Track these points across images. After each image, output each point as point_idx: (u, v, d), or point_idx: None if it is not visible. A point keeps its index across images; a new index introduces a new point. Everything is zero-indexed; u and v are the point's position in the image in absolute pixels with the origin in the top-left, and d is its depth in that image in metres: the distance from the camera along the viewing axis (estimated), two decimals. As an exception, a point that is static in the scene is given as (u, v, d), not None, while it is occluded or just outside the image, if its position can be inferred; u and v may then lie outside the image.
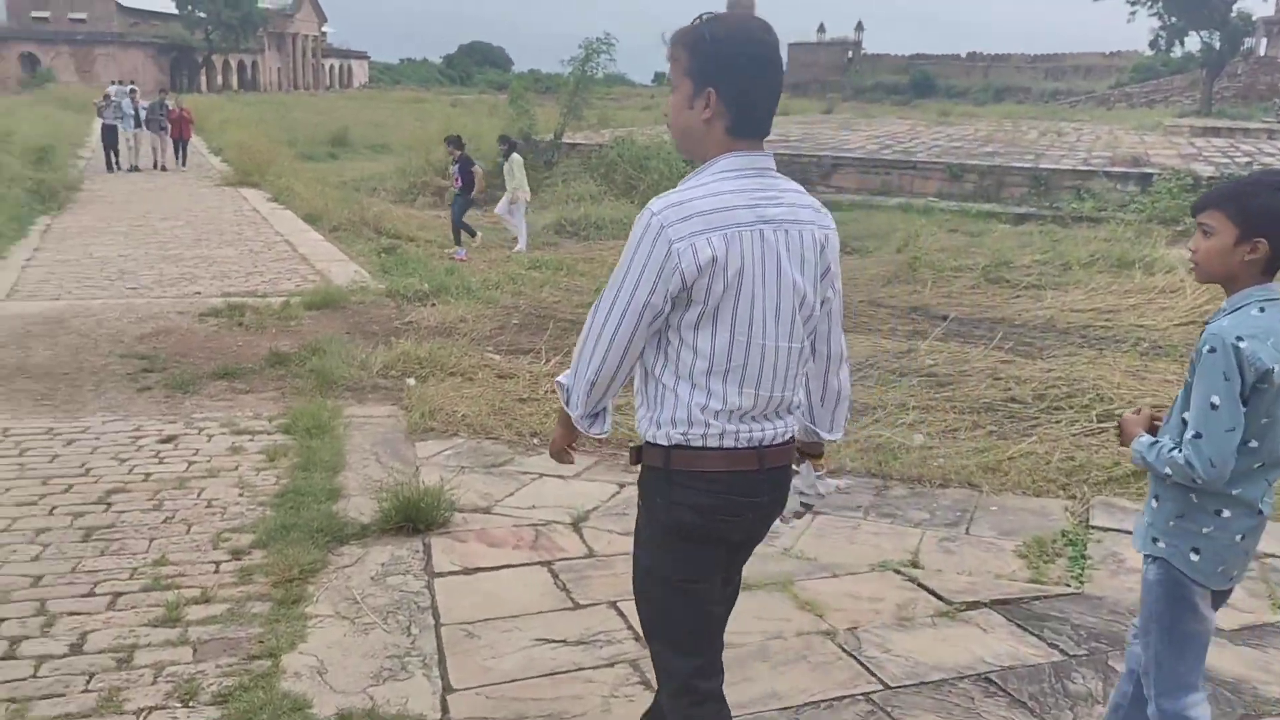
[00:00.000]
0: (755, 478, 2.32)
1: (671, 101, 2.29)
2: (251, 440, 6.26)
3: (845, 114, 52.59)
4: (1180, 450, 2.38)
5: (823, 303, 2.40)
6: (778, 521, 2.51)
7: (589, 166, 20.92)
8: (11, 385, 7.35)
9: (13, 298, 10.16)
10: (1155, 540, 2.56)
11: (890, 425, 6.89)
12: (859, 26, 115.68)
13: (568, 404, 2.42)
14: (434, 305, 10.24)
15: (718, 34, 2.19)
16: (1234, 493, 2.42)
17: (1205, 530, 2.46)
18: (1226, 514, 2.45)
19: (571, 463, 2.70)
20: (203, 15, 76.49)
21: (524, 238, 14.86)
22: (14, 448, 6.05)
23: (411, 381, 7.55)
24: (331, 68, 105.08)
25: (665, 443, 2.31)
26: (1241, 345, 2.30)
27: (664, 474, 2.32)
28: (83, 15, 77.13)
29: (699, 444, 2.27)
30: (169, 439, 6.21)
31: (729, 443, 2.27)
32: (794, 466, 2.55)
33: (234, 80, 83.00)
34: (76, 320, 9.25)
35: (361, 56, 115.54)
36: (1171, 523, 2.51)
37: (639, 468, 2.43)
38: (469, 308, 10.10)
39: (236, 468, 5.76)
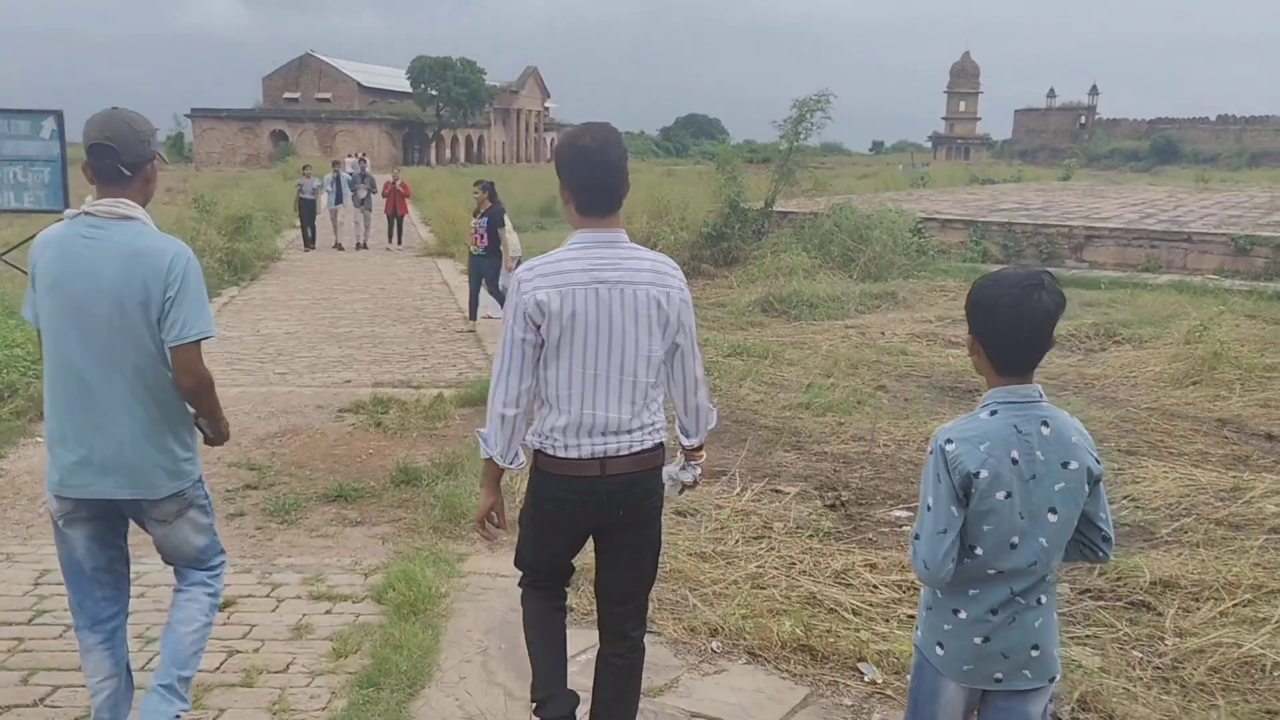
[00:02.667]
0: (596, 481, 2.93)
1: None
2: (329, 613, 4.58)
3: (1086, 180, 48.32)
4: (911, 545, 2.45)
5: (674, 346, 3.02)
6: (668, 488, 3.22)
7: (801, 237, 18.94)
8: (89, 502, 6.04)
9: (151, 382, 9.15)
10: (917, 628, 2.59)
11: (1238, 624, 4.53)
12: (1093, 90, 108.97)
13: (487, 444, 2.98)
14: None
15: (561, 144, 2.96)
16: (970, 592, 2.42)
17: (946, 627, 2.48)
18: (963, 615, 2.45)
19: (495, 539, 3.29)
20: (434, 93, 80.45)
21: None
22: (38, 599, 4.62)
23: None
24: (552, 140, 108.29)
25: (535, 448, 2.97)
26: (949, 449, 2.33)
27: (535, 471, 3.02)
28: (328, 95, 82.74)
29: (550, 452, 2.94)
30: (226, 605, 4.60)
31: (573, 454, 2.91)
32: (667, 465, 3.19)
33: (461, 153, 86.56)
34: (203, 413, 8.05)
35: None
36: (924, 613, 2.56)
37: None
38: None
39: (287, 666, 4.06)
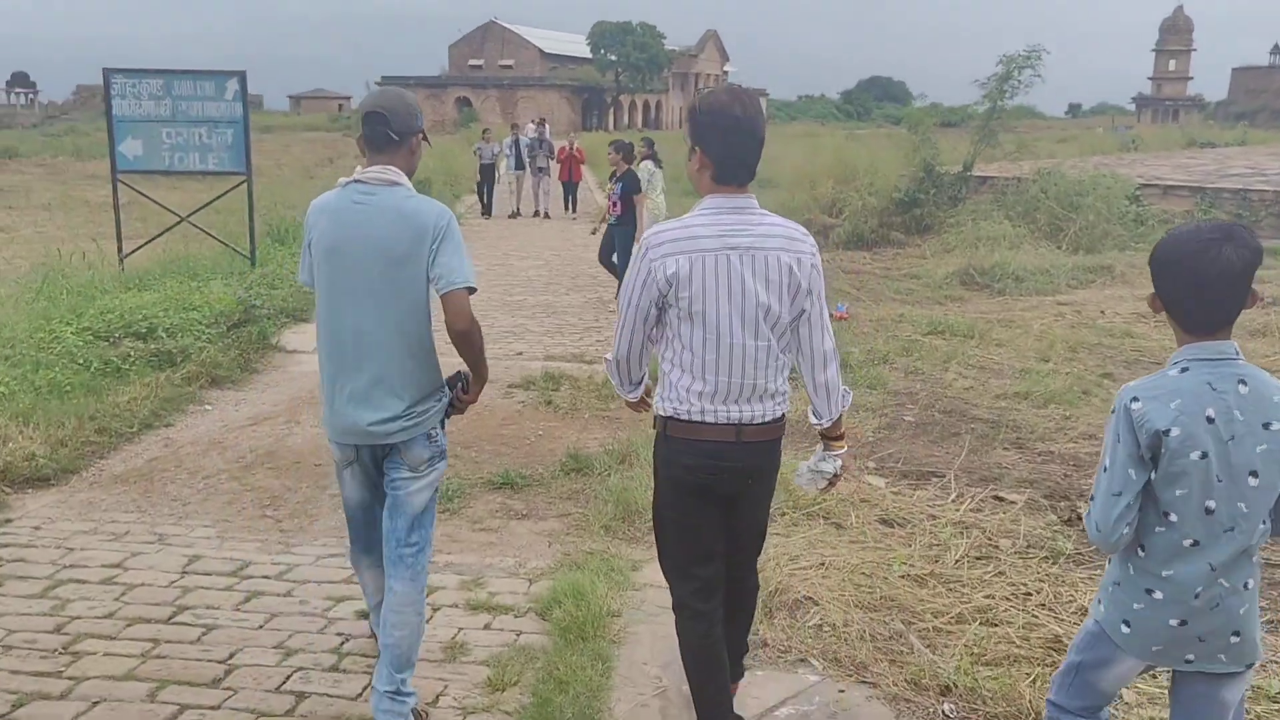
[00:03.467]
0: (732, 447, 2.90)
1: (690, 163, 2.89)
2: (487, 628, 4.02)
3: (1321, 143, 43.58)
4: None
5: (802, 313, 2.92)
6: (807, 482, 3.20)
7: (1004, 204, 17.43)
8: (250, 479, 5.73)
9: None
10: (1099, 601, 2.45)
11: None
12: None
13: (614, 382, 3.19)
14: (798, 387, 7.69)
15: (704, 108, 2.82)
16: (1164, 573, 2.27)
17: (1136, 606, 2.33)
18: (1158, 595, 2.30)
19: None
20: (613, 58, 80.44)
21: None
22: (182, 592, 4.25)
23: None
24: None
25: (663, 414, 2.96)
26: (1134, 406, 2.21)
27: (663, 438, 2.99)
28: (510, 62, 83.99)
29: (685, 418, 2.90)
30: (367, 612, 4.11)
31: (709, 419, 2.88)
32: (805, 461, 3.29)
33: (639, 119, 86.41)
34: (371, 384, 7.72)
35: (760, 94, 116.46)
36: (1111, 588, 2.41)
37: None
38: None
39: (436, 698, 3.50)
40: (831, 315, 10.36)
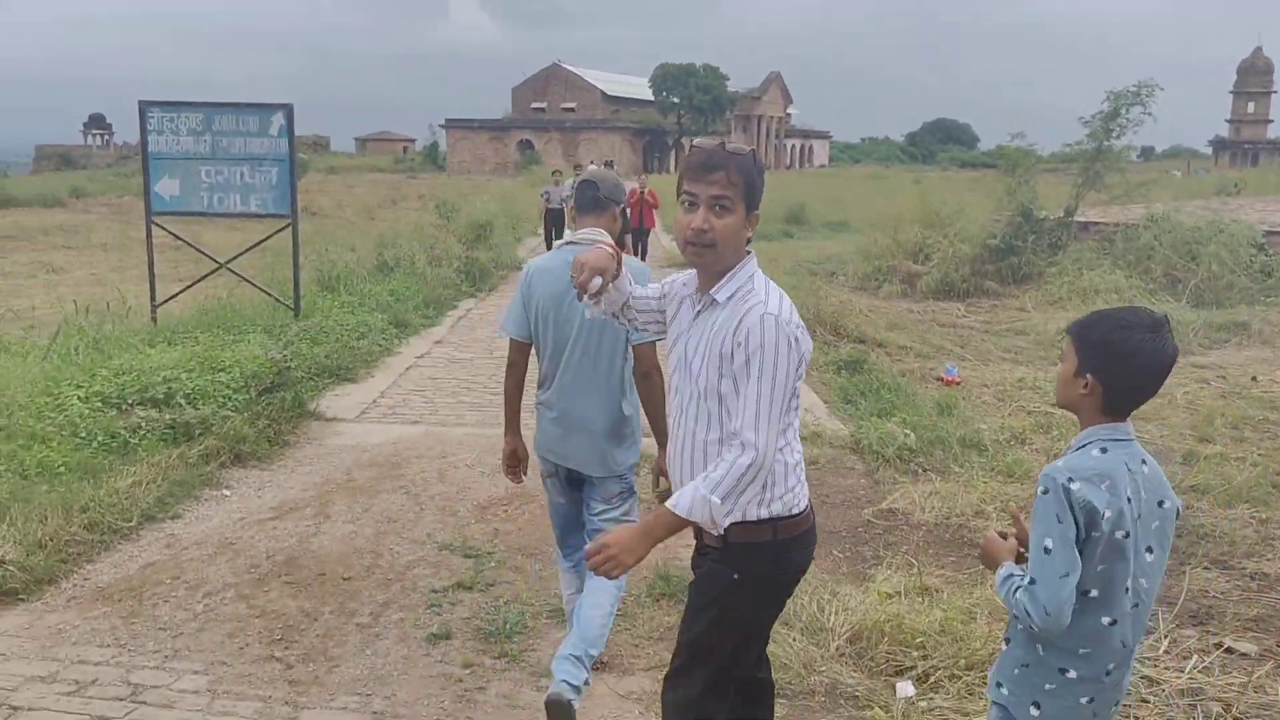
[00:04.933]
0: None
1: (724, 222, 2.49)
2: None
3: None
4: (1019, 593, 2.26)
5: None
6: None
7: (1111, 252, 15.97)
8: (260, 599, 4.59)
9: (366, 416, 7.81)
10: (999, 685, 2.42)
11: None
12: None
13: (728, 504, 2.41)
14: (930, 476, 6.40)
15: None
16: (1081, 651, 2.29)
17: (1048, 687, 2.33)
18: (1072, 674, 2.31)
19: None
20: (676, 100, 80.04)
21: None
22: (137, 800, 3.09)
23: (907, 690, 3.76)
24: (793, 147, 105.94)
25: (769, 516, 2.52)
26: (1073, 487, 2.22)
27: (770, 547, 2.53)
28: (573, 104, 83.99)
29: (794, 511, 2.55)
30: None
31: (805, 501, 2.60)
32: None
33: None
34: (418, 463, 6.58)
35: (823, 136, 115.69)
36: (1017, 670, 2.39)
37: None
38: (987, 485, 6.12)
39: None
40: (940, 378, 8.99)
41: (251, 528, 5.43)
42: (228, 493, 6.01)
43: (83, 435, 6.21)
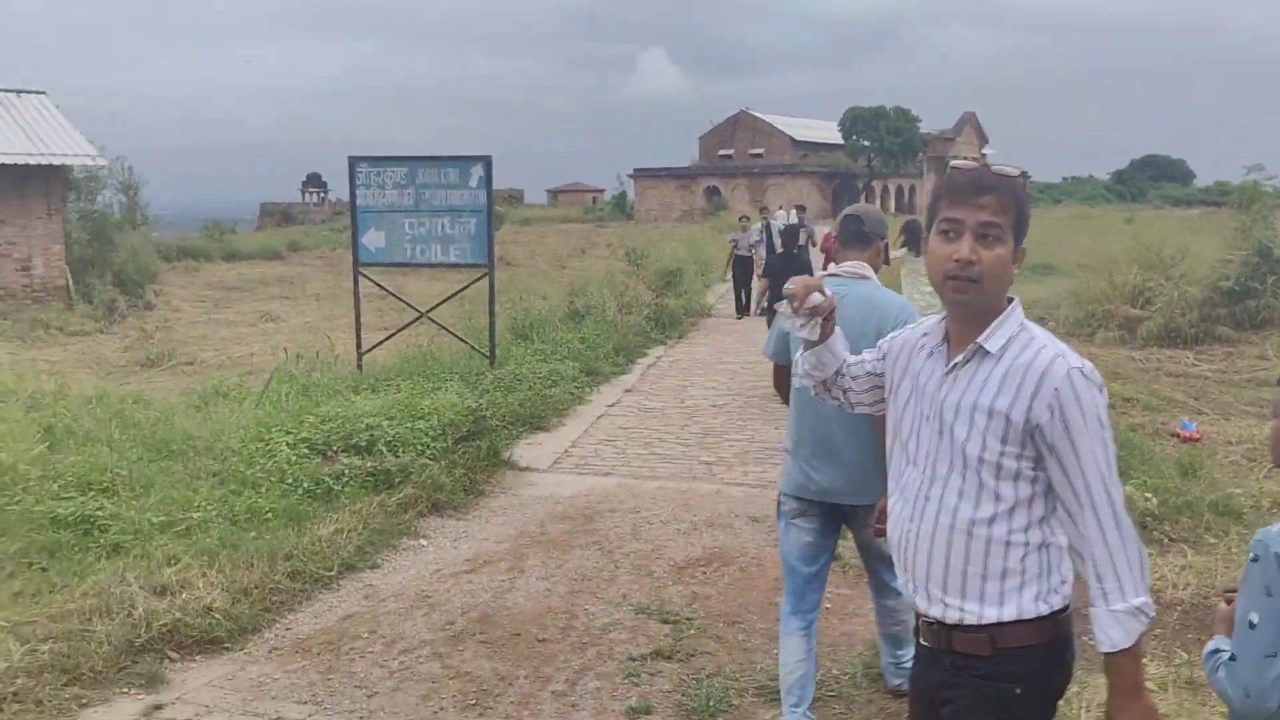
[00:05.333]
0: None
1: (994, 253, 2.11)
2: None
3: None
4: (1220, 670, 1.98)
5: None
6: None
7: (1368, 294, 14.33)
8: (455, 659, 4.44)
9: (559, 466, 7.71)
10: None
11: None
12: None
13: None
14: (1180, 547, 5.68)
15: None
16: None
17: None
18: None
19: None
20: (866, 143, 78.83)
21: None
22: None
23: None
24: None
25: (1054, 608, 2.10)
26: None
27: (1058, 645, 2.12)
28: (760, 150, 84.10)
29: (1068, 600, 2.14)
30: None
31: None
32: None
33: (891, 204, 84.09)
34: (611, 517, 6.37)
35: (1021, 175, 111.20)
36: None
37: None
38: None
39: None
40: (1176, 434, 8.12)
41: (447, 580, 5.34)
42: (424, 542, 5.97)
43: (289, 481, 6.33)
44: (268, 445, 6.86)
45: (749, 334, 15.43)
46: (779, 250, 17.01)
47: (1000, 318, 2.11)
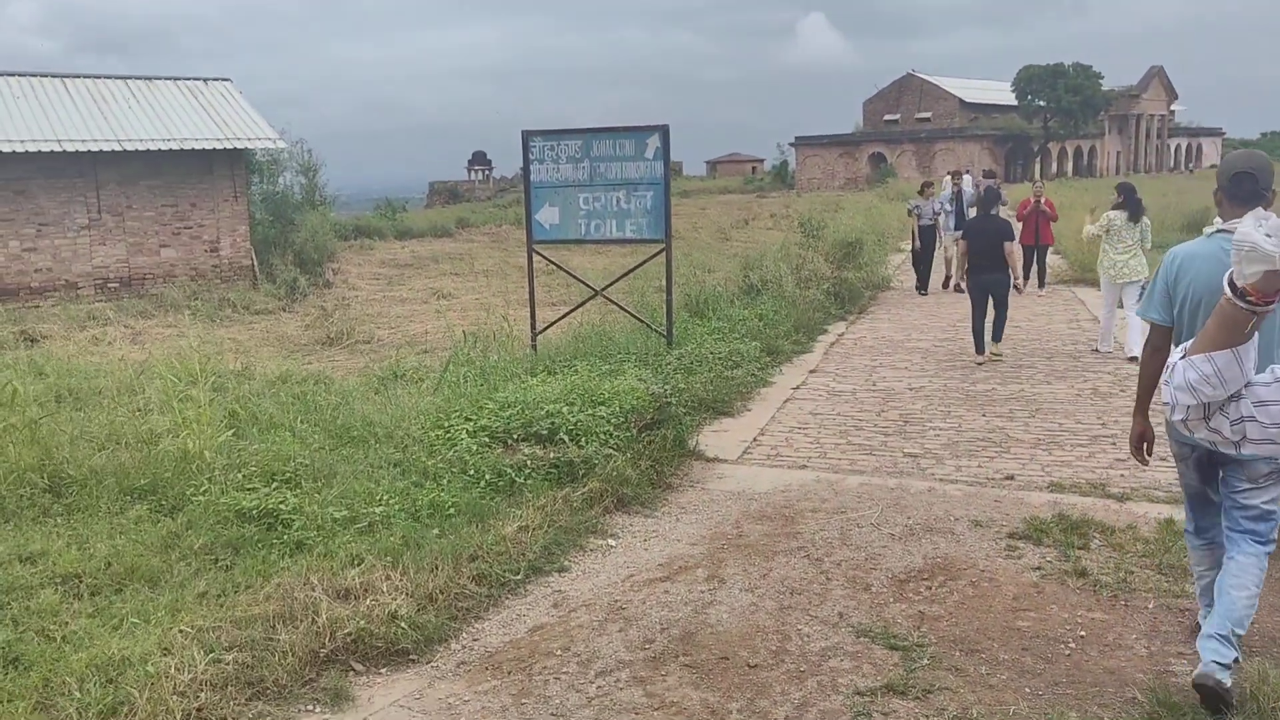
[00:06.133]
0: None
1: None
2: None
3: None
4: None
5: None
6: None
7: None
8: (658, 685, 3.97)
9: (749, 457, 7.17)
10: None
11: None
12: None
13: None
14: None
15: None
16: None
17: None
18: None
19: None
20: (1042, 103, 74.66)
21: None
22: None
23: None
24: (1178, 148, 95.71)
25: None
26: None
27: None
28: (928, 114, 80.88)
29: None
30: None
31: None
32: None
33: (1069, 167, 79.50)
34: (813, 519, 5.79)
35: (1214, 133, 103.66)
36: None
37: None
38: None
39: None
40: None
41: (641, 589, 4.89)
42: (613, 543, 5.54)
43: (471, 473, 6.02)
44: (448, 433, 6.59)
45: (935, 308, 14.48)
46: (971, 217, 15.71)
47: None
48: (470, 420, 6.78)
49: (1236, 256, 3.09)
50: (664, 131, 9.34)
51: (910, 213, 16.33)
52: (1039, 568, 4.94)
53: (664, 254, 9.64)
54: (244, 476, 5.80)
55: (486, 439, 6.49)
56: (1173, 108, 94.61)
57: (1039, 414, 8.10)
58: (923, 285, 16.10)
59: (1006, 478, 6.46)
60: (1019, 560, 5.05)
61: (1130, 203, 10.40)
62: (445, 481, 5.88)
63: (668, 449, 6.77)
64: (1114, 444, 7.16)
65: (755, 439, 7.58)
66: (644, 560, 5.28)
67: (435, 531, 5.24)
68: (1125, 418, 7.89)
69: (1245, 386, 3.31)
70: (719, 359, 9.45)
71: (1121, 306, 10.58)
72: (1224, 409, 3.37)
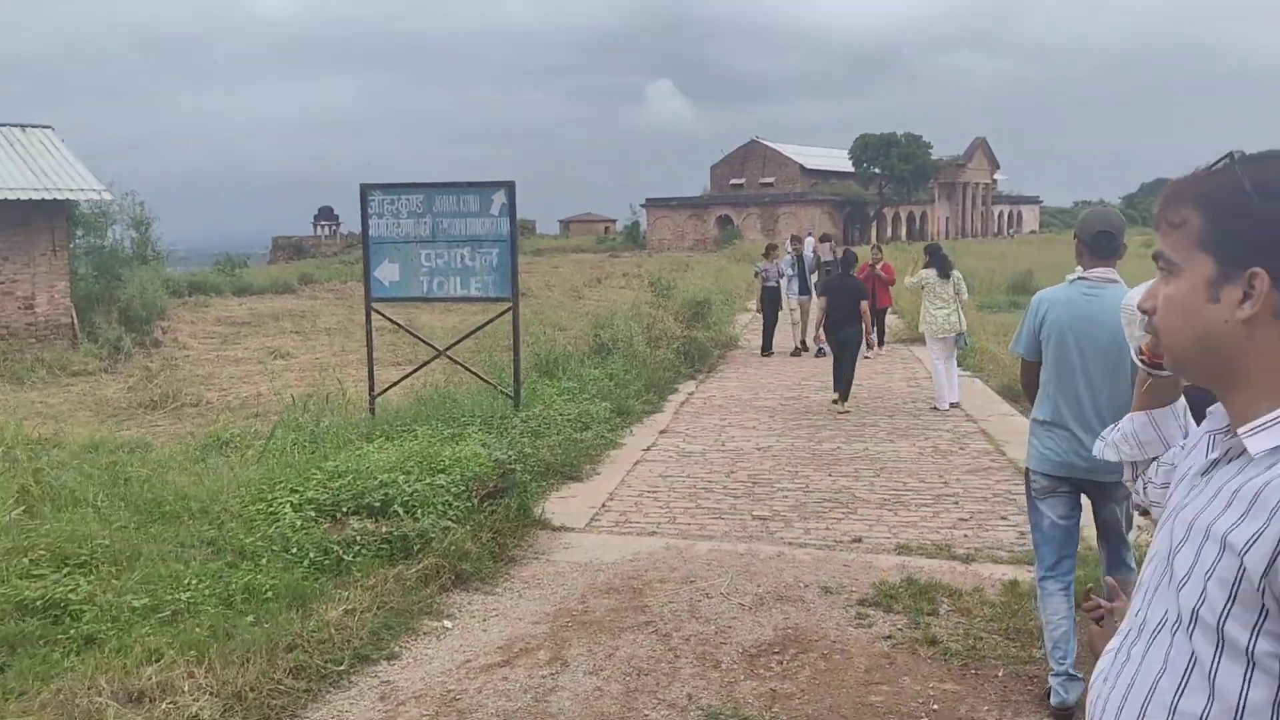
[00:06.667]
0: None
1: (1165, 295, 1.30)
2: None
3: None
4: None
5: None
6: None
7: None
8: (491, 783, 3.62)
9: (597, 524, 6.91)
10: None
11: None
12: None
13: None
14: None
15: (1267, 181, 1.22)
16: None
17: None
18: None
19: None
20: (877, 170, 78.33)
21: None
22: None
23: None
24: (1001, 214, 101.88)
25: None
26: None
27: None
28: (771, 179, 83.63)
29: None
30: None
31: None
32: None
33: (903, 231, 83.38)
34: (662, 589, 5.56)
35: (1032, 201, 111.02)
36: None
37: None
38: None
39: None
40: None
41: (478, 676, 4.53)
42: (449, 624, 5.16)
43: (293, 552, 5.53)
44: (270, 507, 6.07)
45: (780, 367, 14.63)
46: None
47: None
48: (296, 492, 6.28)
49: (1125, 321, 3.11)
50: (509, 188, 9.12)
51: (756, 275, 16.55)
52: (890, 636, 4.83)
53: (511, 313, 9.36)
54: (30, 562, 5.16)
55: (313, 512, 6.01)
56: (995, 176, 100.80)
57: (884, 473, 8.14)
58: (767, 346, 16.15)
59: (854, 540, 6.39)
60: (870, 629, 4.93)
61: (936, 260, 11.25)
62: (264, 561, 5.39)
63: (511, 518, 6.44)
64: (956, 503, 7.22)
65: (604, 504, 7.33)
66: (482, 643, 4.92)
67: (249, 619, 4.75)
68: (966, 475, 8.02)
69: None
70: (568, 421, 9.19)
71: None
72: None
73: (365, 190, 9.21)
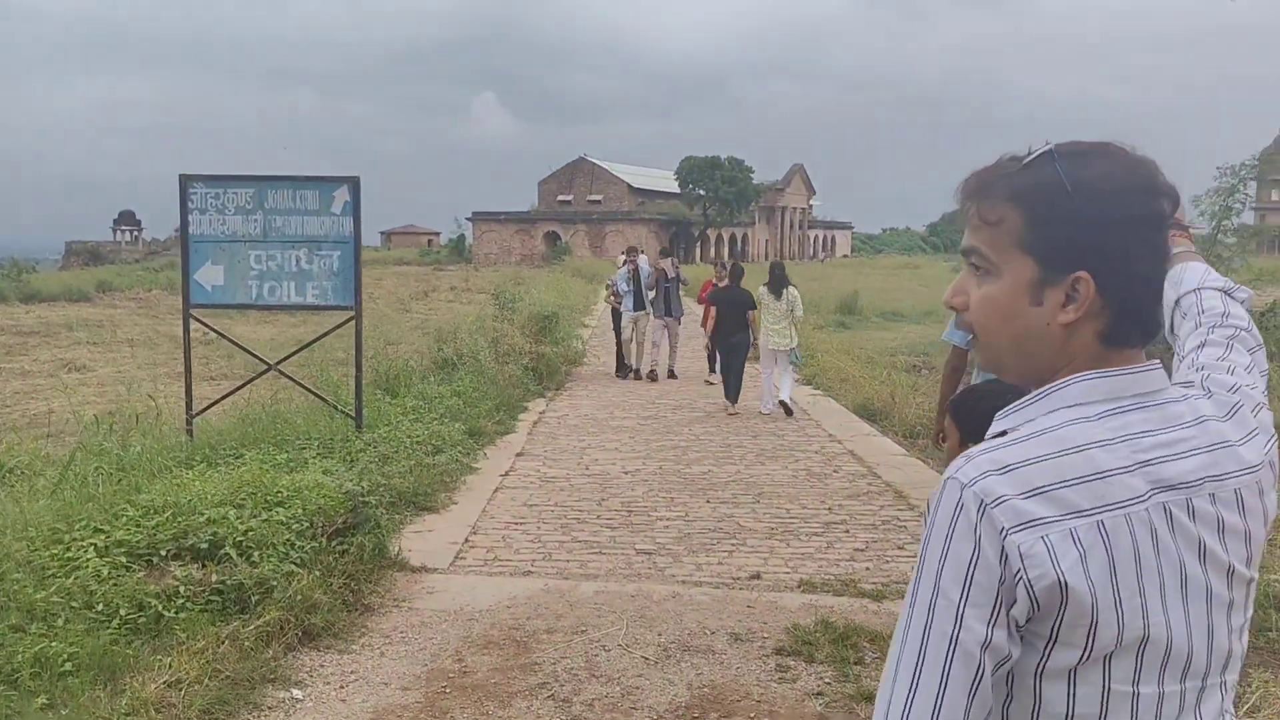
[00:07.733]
0: None
1: (982, 295, 1.23)
2: None
3: None
4: None
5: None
6: None
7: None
8: None
9: (462, 563, 6.10)
10: None
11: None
12: None
13: None
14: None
15: (1090, 181, 1.17)
16: None
17: None
18: None
19: None
20: (701, 192, 79.80)
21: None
22: None
23: None
24: (816, 238, 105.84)
25: None
26: None
27: None
28: (599, 197, 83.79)
29: None
30: None
31: None
32: None
33: (725, 251, 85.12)
34: (550, 642, 4.83)
35: (845, 227, 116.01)
36: None
37: None
38: None
39: None
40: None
41: (342, 763, 3.69)
42: (299, 694, 4.28)
43: (99, 608, 4.52)
44: (68, 551, 5.00)
45: (630, 386, 14.07)
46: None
47: (1038, 394, 1.22)
48: (101, 532, 5.21)
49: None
50: (354, 184, 8.18)
51: (608, 290, 15.65)
52: (820, 693, 4.28)
53: (353, 323, 8.41)
54: None
55: (123, 557, 4.98)
56: (811, 202, 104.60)
57: (763, 498, 7.67)
58: (622, 370, 14.82)
59: (753, 576, 5.84)
60: (795, 684, 4.37)
61: (771, 279, 11.62)
62: (60, 623, 4.35)
63: (365, 560, 5.57)
64: (847, 531, 6.80)
65: (467, 539, 6.53)
66: (343, 717, 4.07)
67: (40, 701, 3.75)
68: (848, 501, 7.64)
69: None
70: (418, 443, 8.32)
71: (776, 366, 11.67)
72: None
73: (185, 181, 8.06)
